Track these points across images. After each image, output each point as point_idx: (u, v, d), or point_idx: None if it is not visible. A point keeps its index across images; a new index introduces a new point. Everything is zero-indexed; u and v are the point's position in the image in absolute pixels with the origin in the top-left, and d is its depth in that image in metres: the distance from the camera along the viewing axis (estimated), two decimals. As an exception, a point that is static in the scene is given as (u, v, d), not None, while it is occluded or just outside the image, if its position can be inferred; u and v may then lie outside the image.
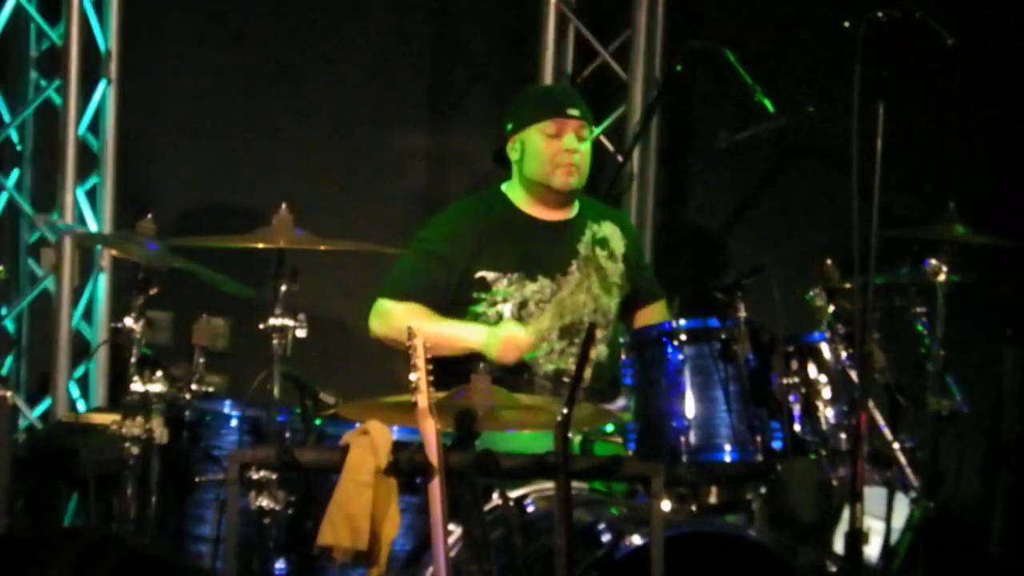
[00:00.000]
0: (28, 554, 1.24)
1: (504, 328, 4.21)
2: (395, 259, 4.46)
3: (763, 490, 4.00)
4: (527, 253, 4.35)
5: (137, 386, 3.94)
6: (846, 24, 3.67)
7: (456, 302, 4.33)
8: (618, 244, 4.51)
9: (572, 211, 4.49)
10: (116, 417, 3.99)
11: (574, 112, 4.38)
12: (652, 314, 4.52)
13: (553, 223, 4.44)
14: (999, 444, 4.86)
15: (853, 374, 3.97)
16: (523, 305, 4.33)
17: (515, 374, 4.23)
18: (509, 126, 4.43)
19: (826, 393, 4.01)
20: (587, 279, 4.41)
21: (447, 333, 4.19)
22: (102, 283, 5.53)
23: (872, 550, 4.11)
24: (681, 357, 3.90)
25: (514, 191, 4.46)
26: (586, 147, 4.39)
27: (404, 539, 3.75)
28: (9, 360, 5.53)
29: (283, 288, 3.88)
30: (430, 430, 3.18)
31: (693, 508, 3.96)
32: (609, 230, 4.52)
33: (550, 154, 4.34)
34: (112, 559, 1.24)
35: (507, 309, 4.32)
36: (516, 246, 4.36)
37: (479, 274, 4.32)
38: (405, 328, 4.08)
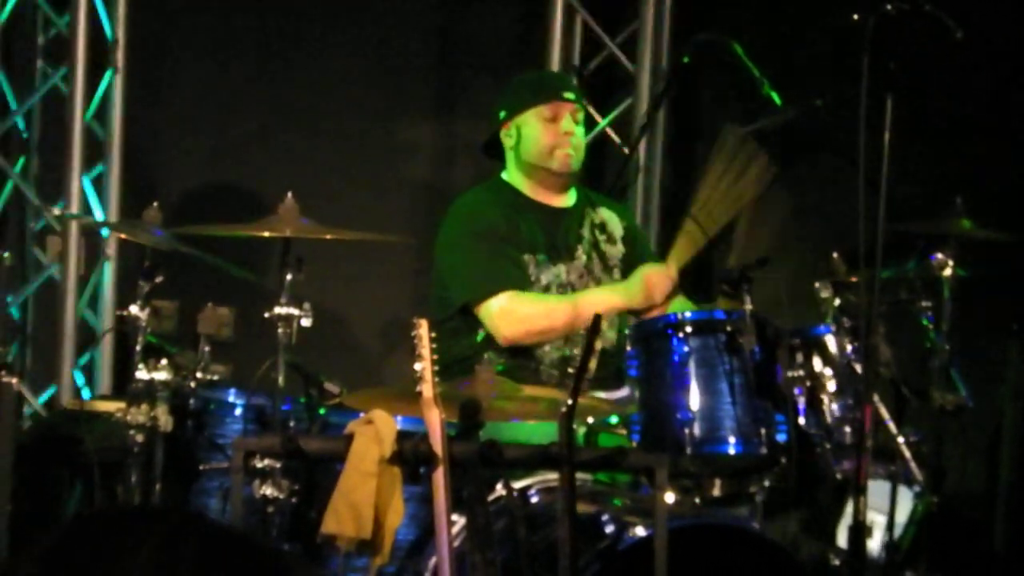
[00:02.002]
0: (118, 533, 1.27)
1: (640, 273, 4.29)
2: (442, 261, 4.39)
3: (766, 483, 4.00)
4: (544, 237, 4.37)
5: (142, 374, 3.94)
6: (855, 17, 3.67)
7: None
8: (616, 227, 4.53)
9: (571, 198, 4.50)
10: (121, 405, 3.99)
11: (569, 96, 4.40)
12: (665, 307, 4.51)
13: (557, 209, 4.45)
14: (1003, 439, 4.85)
15: (858, 367, 3.96)
16: (546, 290, 4.33)
17: (520, 364, 4.23)
18: (502, 114, 4.44)
19: (831, 386, 4.00)
20: (591, 264, 4.42)
21: (586, 303, 4.18)
22: (108, 271, 5.53)
23: (875, 544, 4.11)
24: (686, 349, 3.89)
25: (515, 178, 4.46)
26: (581, 130, 4.41)
27: (407, 529, 3.75)
28: (14, 347, 5.53)
29: (288, 277, 3.88)
30: (435, 420, 3.18)
31: (697, 500, 3.96)
32: (606, 215, 4.54)
33: (548, 137, 4.36)
34: (199, 539, 1.27)
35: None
36: (531, 229, 4.37)
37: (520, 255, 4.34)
38: (535, 317, 4.14)
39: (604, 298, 4.23)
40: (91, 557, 1.25)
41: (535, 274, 4.32)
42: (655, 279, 4.27)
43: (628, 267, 4.50)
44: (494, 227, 4.32)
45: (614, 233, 4.51)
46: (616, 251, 4.49)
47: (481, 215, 4.38)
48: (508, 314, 4.21)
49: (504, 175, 4.49)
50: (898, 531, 4.22)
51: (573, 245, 4.41)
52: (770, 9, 5.77)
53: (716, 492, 3.98)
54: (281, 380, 3.84)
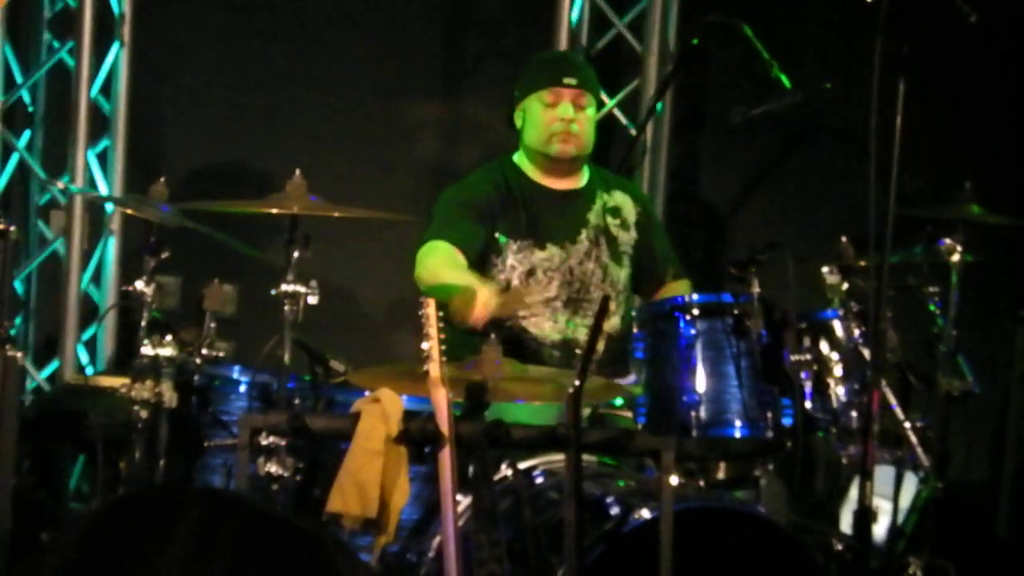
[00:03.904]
0: (157, 512, 1.27)
1: (481, 289, 3.94)
2: (414, 226, 4.39)
3: (771, 467, 4.00)
4: (538, 221, 4.34)
5: (147, 350, 3.94)
6: (867, 0, 3.64)
7: (479, 263, 4.30)
8: (630, 213, 4.50)
9: (581, 180, 4.47)
10: (125, 380, 3.99)
11: (570, 81, 4.35)
12: (675, 289, 4.48)
13: (563, 192, 4.43)
14: (1009, 425, 4.85)
15: (865, 352, 3.95)
16: (531, 272, 4.32)
17: (522, 345, 4.22)
18: (516, 93, 4.44)
19: (838, 371, 3.99)
20: (596, 248, 4.39)
21: (451, 279, 4.07)
22: (112, 247, 5.52)
23: (879, 529, 4.10)
24: (693, 332, 3.88)
25: (522, 160, 4.45)
26: (585, 115, 4.35)
27: (412, 508, 3.75)
28: (17, 321, 5.52)
29: (295, 254, 3.87)
30: (441, 399, 3.17)
31: (702, 483, 3.95)
32: (620, 199, 4.50)
33: (545, 123, 4.33)
34: (238, 519, 1.26)
35: (515, 275, 4.31)
36: (528, 213, 4.35)
37: (496, 235, 4.31)
38: (430, 271, 4.05)
39: (461, 286, 3.96)
40: (126, 539, 1.24)
41: (516, 258, 4.28)
42: (480, 301, 3.85)
43: (640, 254, 4.47)
44: (479, 200, 4.30)
45: (627, 218, 4.48)
46: (628, 237, 4.45)
47: (468, 189, 4.38)
48: (420, 257, 4.18)
49: (515, 156, 4.47)
50: (902, 516, 4.22)
51: (576, 228, 4.38)
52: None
53: (721, 475, 3.97)
54: (287, 357, 3.83)
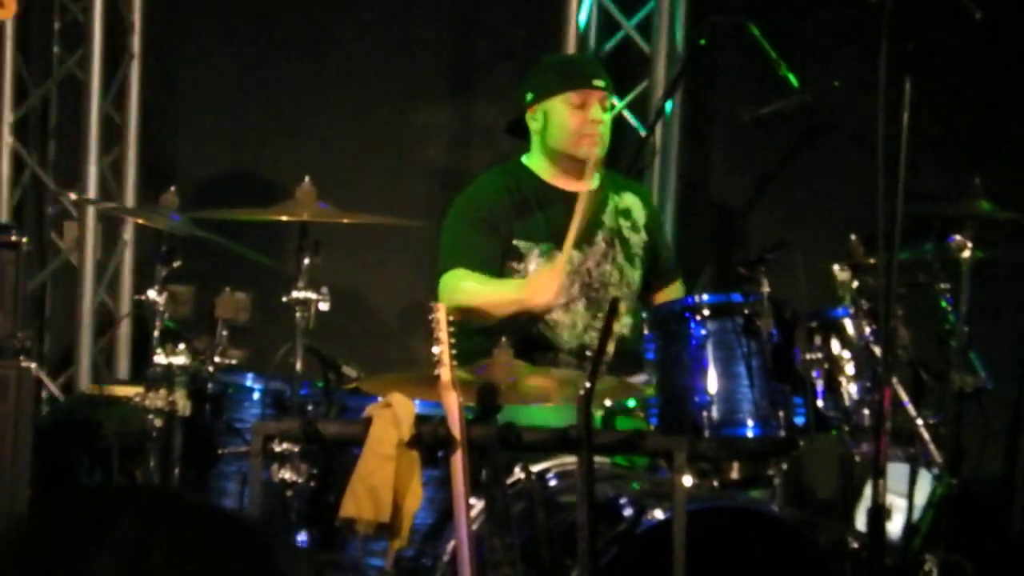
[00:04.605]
0: (91, 513, 1.26)
1: (531, 275, 4.19)
2: (440, 237, 4.39)
3: (784, 466, 4.00)
4: (556, 224, 4.34)
5: (160, 359, 3.95)
6: (872, -1, 3.64)
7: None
8: (640, 215, 4.51)
9: (593, 182, 4.48)
10: (139, 389, 4.00)
11: (599, 83, 4.36)
12: (669, 294, 4.53)
13: (577, 194, 4.43)
14: (1023, 420, 4.84)
15: (876, 350, 3.95)
16: None
17: (539, 351, 4.23)
18: (529, 96, 4.41)
19: (849, 369, 3.99)
20: (612, 249, 4.41)
21: (498, 293, 4.17)
22: (125, 257, 5.54)
23: (894, 527, 4.10)
24: (704, 332, 3.88)
25: (536, 162, 4.44)
26: (608, 117, 4.39)
27: (426, 512, 3.76)
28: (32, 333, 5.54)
29: (306, 261, 3.88)
30: (453, 403, 3.18)
31: (715, 483, 3.95)
32: (631, 201, 4.52)
33: (576, 125, 4.33)
34: (174, 515, 1.26)
35: None
36: (545, 216, 4.35)
37: (515, 242, 4.32)
38: (473, 295, 4.11)
39: (508, 294, 4.16)
40: (62, 539, 1.23)
41: (539, 262, 4.29)
42: (541, 279, 4.14)
43: (649, 256, 4.49)
44: (490, 213, 4.31)
45: (638, 221, 4.50)
46: (639, 239, 4.47)
47: (481, 199, 4.38)
48: (449, 287, 4.21)
49: (525, 158, 4.47)
50: (917, 514, 4.21)
51: (593, 231, 4.39)
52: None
53: (734, 475, 3.97)
54: (299, 364, 3.85)
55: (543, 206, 4.37)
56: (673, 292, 4.56)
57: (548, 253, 4.31)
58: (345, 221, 4.22)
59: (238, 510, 3.68)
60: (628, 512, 3.52)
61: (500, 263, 4.28)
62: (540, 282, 4.13)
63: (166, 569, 1.22)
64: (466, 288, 4.18)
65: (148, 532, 1.23)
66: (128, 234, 5.53)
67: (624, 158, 5.44)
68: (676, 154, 5.83)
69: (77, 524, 1.24)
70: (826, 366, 3.96)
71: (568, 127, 4.34)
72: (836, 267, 4.24)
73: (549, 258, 4.30)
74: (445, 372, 3.20)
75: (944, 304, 4.38)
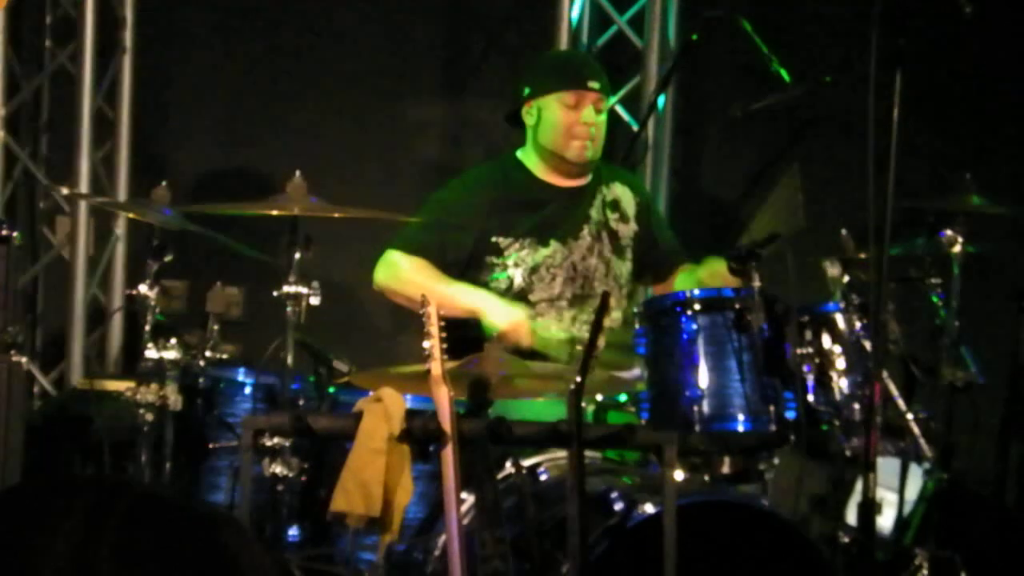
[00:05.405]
0: (42, 504, 1.25)
1: (517, 315, 4.16)
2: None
3: (775, 461, 4.00)
4: (541, 219, 4.35)
5: (152, 353, 3.95)
6: (864, -8, 3.64)
7: (471, 265, 4.32)
8: (629, 205, 4.51)
9: (587, 178, 4.48)
10: (130, 384, 4.00)
11: (594, 85, 4.36)
12: (682, 281, 4.52)
13: (567, 189, 4.44)
14: (1013, 416, 4.84)
15: (867, 345, 3.95)
16: (534, 270, 4.33)
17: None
18: (526, 90, 4.41)
19: (840, 363, 4.00)
20: (598, 243, 4.41)
21: (450, 292, 4.17)
22: (117, 251, 5.53)
23: (885, 521, 4.10)
24: (695, 326, 3.89)
25: (528, 157, 4.45)
26: (603, 119, 4.38)
27: (417, 507, 3.76)
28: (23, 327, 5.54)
29: (297, 256, 3.88)
30: (443, 397, 3.18)
31: (706, 477, 3.96)
32: (619, 191, 4.52)
33: (567, 125, 4.33)
34: (125, 504, 1.25)
35: (518, 274, 4.33)
36: (530, 212, 4.36)
37: (493, 239, 4.32)
38: (409, 280, 4.12)
39: (468, 301, 4.17)
40: (12, 531, 1.23)
41: (519, 257, 4.29)
42: (520, 334, 4.12)
43: (641, 246, 4.49)
44: (461, 207, 4.32)
45: (627, 211, 4.50)
46: (628, 230, 4.48)
47: (459, 192, 4.39)
48: (388, 264, 4.30)
49: (520, 152, 4.47)
50: (908, 508, 4.22)
51: (579, 225, 4.40)
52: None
53: (725, 469, 3.98)
54: (290, 359, 3.84)
55: (529, 201, 4.38)
56: (680, 279, 4.53)
57: (530, 247, 4.31)
58: (336, 216, 4.21)
59: (211, 505, 3.69)
60: (619, 506, 3.52)
61: (457, 257, 4.29)
62: (519, 333, 4.11)
63: (114, 560, 1.21)
64: (406, 275, 4.23)
65: (99, 522, 1.23)
66: (120, 228, 5.52)
67: (616, 153, 5.45)
68: (668, 149, 5.84)
69: (28, 518, 1.24)
70: (817, 361, 3.97)
71: (559, 126, 4.34)
72: (827, 262, 4.25)
73: (530, 252, 4.30)
74: (435, 366, 3.20)
75: (935, 299, 4.39)
